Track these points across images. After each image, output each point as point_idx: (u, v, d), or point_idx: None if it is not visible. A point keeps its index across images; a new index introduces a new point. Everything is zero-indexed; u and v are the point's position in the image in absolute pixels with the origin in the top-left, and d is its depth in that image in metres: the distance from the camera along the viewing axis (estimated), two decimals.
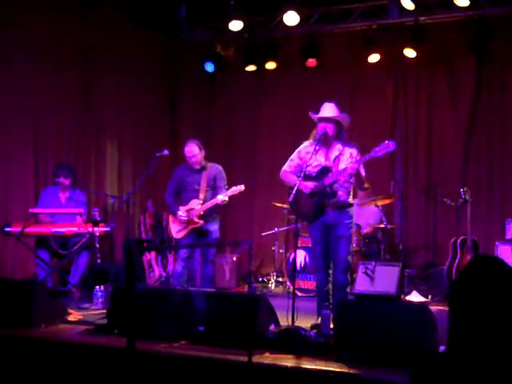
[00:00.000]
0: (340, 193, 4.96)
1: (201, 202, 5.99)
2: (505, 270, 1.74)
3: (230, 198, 5.97)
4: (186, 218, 5.96)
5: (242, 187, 5.93)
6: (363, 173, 4.95)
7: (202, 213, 5.96)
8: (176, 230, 6.09)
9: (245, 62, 8.47)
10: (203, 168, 6.12)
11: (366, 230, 7.06)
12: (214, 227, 6.09)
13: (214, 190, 6.08)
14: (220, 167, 6.22)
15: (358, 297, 4.41)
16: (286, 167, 5.21)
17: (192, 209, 5.99)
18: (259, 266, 8.42)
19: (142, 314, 4.16)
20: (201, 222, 5.96)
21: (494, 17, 7.27)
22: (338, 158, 4.97)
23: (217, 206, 6.02)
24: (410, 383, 1.74)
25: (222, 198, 5.88)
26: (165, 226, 6.73)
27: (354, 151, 4.95)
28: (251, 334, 3.81)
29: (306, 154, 5.06)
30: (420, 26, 7.52)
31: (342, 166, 4.89)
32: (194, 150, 6.06)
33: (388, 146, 4.63)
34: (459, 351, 1.71)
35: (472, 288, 1.72)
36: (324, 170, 4.97)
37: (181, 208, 6.03)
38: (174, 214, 6.07)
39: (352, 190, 5.11)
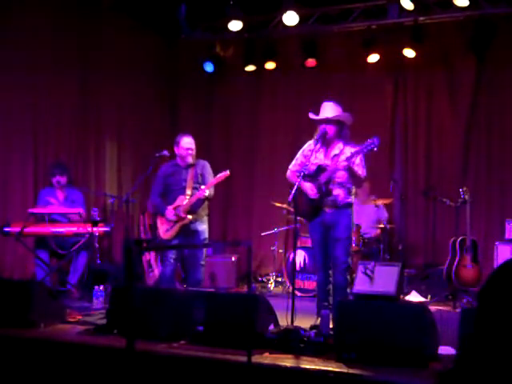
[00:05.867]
0: (337, 192, 4.96)
1: (187, 197, 5.69)
2: None
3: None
4: (175, 217, 5.69)
5: (227, 172, 5.62)
6: (362, 172, 4.94)
7: (188, 208, 5.66)
8: (164, 230, 5.80)
9: (244, 61, 8.47)
10: (191, 165, 5.81)
11: (372, 232, 7.11)
12: (203, 227, 5.80)
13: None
14: (206, 162, 5.92)
15: (357, 297, 4.41)
16: (290, 167, 5.23)
17: (179, 206, 5.69)
18: (259, 266, 8.42)
19: (141, 314, 4.16)
20: (189, 217, 5.66)
21: (493, 17, 7.27)
22: (337, 156, 4.97)
23: (204, 202, 5.74)
24: None
25: (203, 190, 5.58)
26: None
27: (354, 150, 4.94)
28: (250, 334, 3.80)
29: (309, 152, 5.08)
30: (419, 26, 7.51)
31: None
32: (193, 143, 5.81)
33: (373, 141, 4.72)
34: (483, 358, 1.65)
35: (500, 294, 1.65)
36: (319, 169, 4.98)
37: (168, 207, 5.73)
38: (163, 214, 5.77)
39: (354, 190, 5.10)
